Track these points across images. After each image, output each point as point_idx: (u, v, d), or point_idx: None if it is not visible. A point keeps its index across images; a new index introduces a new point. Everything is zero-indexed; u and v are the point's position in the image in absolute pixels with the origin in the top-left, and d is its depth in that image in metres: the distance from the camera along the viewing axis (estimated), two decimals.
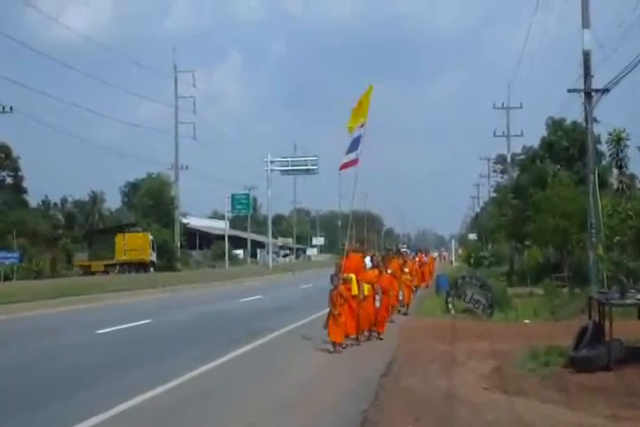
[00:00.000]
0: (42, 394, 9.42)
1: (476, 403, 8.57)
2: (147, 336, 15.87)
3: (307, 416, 8.28)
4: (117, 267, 54.58)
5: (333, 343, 12.90)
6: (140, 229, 58.40)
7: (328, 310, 13.16)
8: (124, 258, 55.31)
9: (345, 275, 13.49)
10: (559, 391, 9.09)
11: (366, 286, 14.24)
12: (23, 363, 12.22)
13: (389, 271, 17.49)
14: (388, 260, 18.77)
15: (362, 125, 13.84)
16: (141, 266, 55.37)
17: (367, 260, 16.12)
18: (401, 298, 20.30)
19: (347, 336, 13.54)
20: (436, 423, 7.66)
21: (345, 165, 14.12)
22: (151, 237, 57.35)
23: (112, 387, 9.86)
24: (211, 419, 8.12)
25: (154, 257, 58.16)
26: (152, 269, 55.98)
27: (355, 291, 13.64)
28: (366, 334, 14.81)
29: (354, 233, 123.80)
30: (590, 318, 11.66)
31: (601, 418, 7.70)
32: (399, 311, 20.17)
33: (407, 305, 21.71)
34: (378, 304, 14.92)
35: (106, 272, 53.06)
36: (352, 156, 13.89)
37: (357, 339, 14.21)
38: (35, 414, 8.26)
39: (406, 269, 22.49)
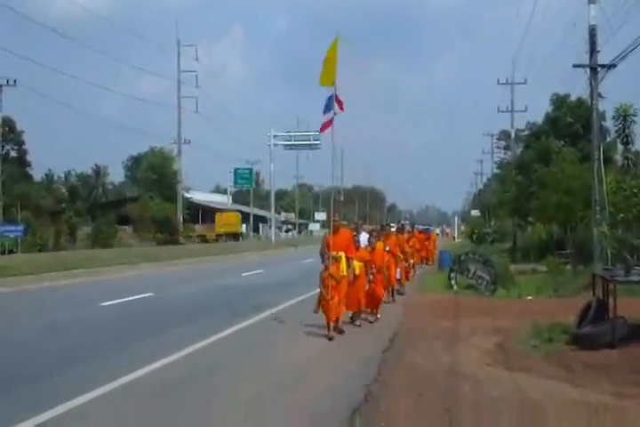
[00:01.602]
0: (44, 367, 9.43)
1: (480, 379, 8.57)
2: (149, 309, 15.90)
3: (309, 391, 8.28)
4: (223, 236, 71.77)
5: (328, 327, 11.93)
6: (233, 210, 76.10)
7: (318, 291, 12.32)
8: (223, 230, 72.82)
9: (334, 253, 12.18)
10: (563, 368, 9.08)
11: (357, 265, 13.03)
12: (27, 335, 12.23)
13: (387, 248, 16.77)
14: (385, 236, 17.14)
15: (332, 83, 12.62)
16: (234, 236, 73.03)
17: (363, 237, 14.83)
18: (399, 277, 18.97)
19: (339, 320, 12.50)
20: (440, 399, 7.65)
21: (323, 127, 12.98)
22: (240, 216, 76.45)
23: (115, 360, 9.88)
24: (215, 391, 8.12)
25: (243, 229, 78.23)
26: (241, 238, 74.70)
27: (344, 271, 12.31)
28: (362, 316, 13.89)
29: (356, 208, 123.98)
30: (594, 294, 11.64)
31: (605, 395, 7.68)
32: (398, 291, 18.87)
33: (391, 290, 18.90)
34: (367, 285, 13.79)
35: (215, 240, 69.67)
36: (329, 115, 12.77)
37: (353, 319, 13.52)
38: (38, 387, 8.27)
39: (387, 248, 20.01)
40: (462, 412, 7.15)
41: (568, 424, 6.72)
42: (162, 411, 7.33)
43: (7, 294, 19.52)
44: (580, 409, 7.26)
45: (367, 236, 14.99)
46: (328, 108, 12.73)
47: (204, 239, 68.55)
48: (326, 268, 12.12)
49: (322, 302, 11.97)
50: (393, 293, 17.76)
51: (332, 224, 12.51)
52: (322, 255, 12.38)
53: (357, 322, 13.65)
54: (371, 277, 14.01)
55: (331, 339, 11.72)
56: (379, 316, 14.52)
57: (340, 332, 12.37)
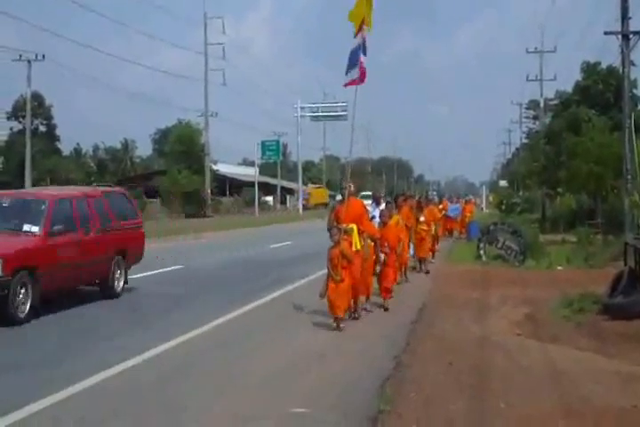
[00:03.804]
0: (64, 345, 9.49)
1: (510, 349, 8.56)
2: (178, 282, 15.97)
3: (339, 362, 8.31)
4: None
5: (336, 318, 10.06)
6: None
7: (326, 273, 10.33)
8: (316, 201, 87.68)
9: (344, 225, 10.49)
10: (594, 338, 9.04)
11: (369, 243, 11.20)
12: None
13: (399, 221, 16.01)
14: (399, 205, 15.77)
15: (360, 31, 11.13)
16: (324, 205, 79.05)
17: (373, 207, 13.62)
18: (412, 254, 17.07)
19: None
20: (470, 368, 7.65)
21: (351, 83, 11.35)
22: (327, 191, 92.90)
23: (139, 335, 10.00)
24: (241, 362, 8.20)
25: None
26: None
27: (357, 245, 10.65)
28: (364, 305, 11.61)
29: (383, 179, 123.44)
30: (626, 264, 11.52)
31: (637, 365, 7.66)
32: (414, 269, 17.57)
33: (423, 260, 18.07)
34: (378, 268, 11.85)
35: (317, 208, 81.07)
36: (354, 73, 11.21)
37: (355, 313, 11.02)
38: (72, 359, 8.38)
39: (422, 218, 18.15)
40: (492, 381, 7.14)
41: (599, 394, 6.68)
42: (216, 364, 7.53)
43: None
44: (611, 379, 7.23)
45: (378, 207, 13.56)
46: (353, 62, 11.18)
47: (306, 207, 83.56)
48: (335, 244, 10.20)
49: (329, 286, 10.05)
50: (405, 272, 15.85)
51: (346, 193, 10.84)
52: (329, 230, 10.52)
53: (368, 307, 11.76)
54: (383, 257, 11.83)
55: (338, 328, 9.99)
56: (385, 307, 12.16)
57: (355, 318, 10.90)
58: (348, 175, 11.87)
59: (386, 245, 12.02)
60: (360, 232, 10.79)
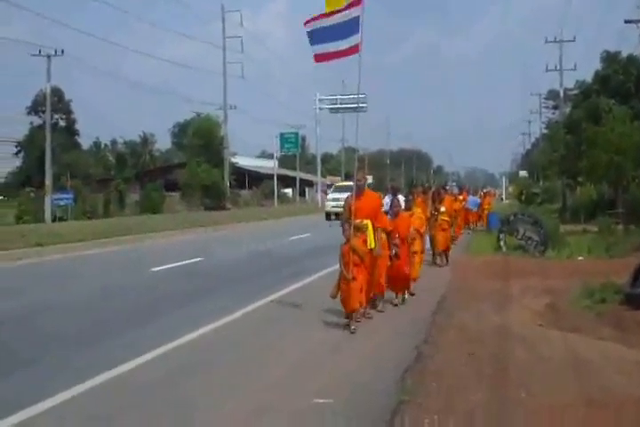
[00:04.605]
0: (93, 332, 9.61)
1: (531, 339, 8.52)
2: (199, 274, 16.06)
3: (359, 353, 8.31)
4: None
5: (348, 316, 9.52)
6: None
7: (339, 270, 9.74)
8: None
9: (358, 221, 9.86)
10: (616, 328, 8.98)
11: (383, 237, 10.49)
12: (83, 299, 12.45)
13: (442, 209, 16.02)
14: (415, 196, 15.22)
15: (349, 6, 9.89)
16: None
17: (387, 199, 12.82)
18: (428, 246, 16.13)
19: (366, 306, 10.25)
20: (491, 359, 7.63)
21: (323, 57, 10.22)
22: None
23: (175, 320, 10.07)
24: (262, 354, 8.23)
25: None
26: None
27: (371, 243, 9.99)
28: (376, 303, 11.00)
29: (402, 171, 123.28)
30: None
31: None
32: (434, 263, 17.27)
33: (444, 254, 17.85)
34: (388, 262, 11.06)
35: None
36: (340, 44, 9.97)
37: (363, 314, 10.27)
38: (91, 350, 8.44)
39: (443, 209, 17.78)
40: (513, 371, 7.13)
41: (621, 384, 6.66)
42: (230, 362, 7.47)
43: (60, 261, 19.86)
44: (632, 369, 7.20)
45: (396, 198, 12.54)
46: (339, 34, 9.94)
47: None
48: (347, 240, 9.61)
49: (341, 285, 9.53)
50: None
51: (357, 185, 10.20)
52: (342, 224, 9.97)
53: (380, 306, 11.07)
54: (394, 250, 11.18)
55: (352, 331, 9.29)
56: (406, 296, 12.02)
57: (369, 317, 10.33)
58: (355, 165, 11.09)
59: (397, 236, 11.32)
60: (375, 229, 10.13)
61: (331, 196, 43.10)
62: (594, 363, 7.39)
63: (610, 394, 6.29)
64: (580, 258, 17.82)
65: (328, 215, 39.89)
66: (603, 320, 9.54)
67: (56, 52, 43.61)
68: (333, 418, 5.96)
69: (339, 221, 10.42)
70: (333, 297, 9.66)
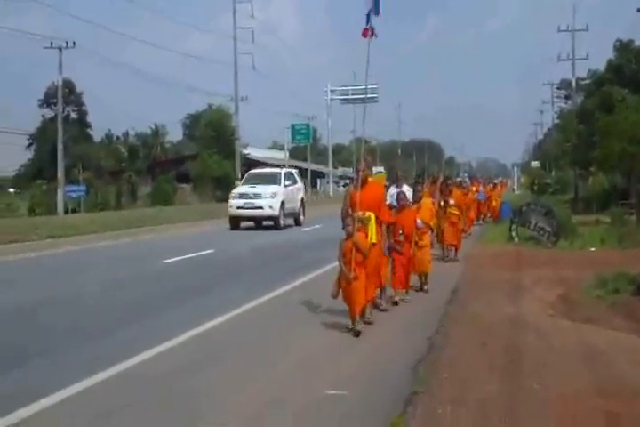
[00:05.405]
0: (104, 323, 9.63)
1: (543, 329, 8.53)
2: (210, 266, 16.12)
3: (372, 344, 8.31)
4: None
5: (352, 317, 8.67)
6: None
7: (338, 268, 8.95)
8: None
9: (360, 213, 9.00)
10: (629, 319, 8.97)
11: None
12: (95, 291, 12.49)
13: (451, 202, 15.83)
14: (423, 187, 14.30)
15: None
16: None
17: (392, 191, 12.22)
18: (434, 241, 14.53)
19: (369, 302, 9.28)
20: (503, 349, 7.64)
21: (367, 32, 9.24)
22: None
23: (183, 312, 10.11)
24: (272, 346, 8.25)
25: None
26: None
27: (372, 238, 9.13)
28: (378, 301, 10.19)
29: (414, 162, 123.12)
30: None
31: None
32: (443, 259, 16.13)
33: (455, 248, 16.73)
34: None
35: None
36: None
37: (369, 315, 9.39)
38: (104, 341, 8.48)
39: (452, 201, 16.73)
40: (526, 362, 7.13)
41: (634, 374, 6.65)
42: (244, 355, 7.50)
43: (73, 252, 19.94)
44: None
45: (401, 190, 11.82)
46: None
47: None
48: (348, 235, 8.77)
49: (342, 284, 8.75)
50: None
51: (359, 175, 9.40)
52: (343, 218, 9.22)
53: (383, 304, 10.37)
54: (397, 247, 10.64)
55: (357, 334, 8.52)
56: (410, 290, 11.34)
57: (369, 322, 9.23)
58: (362, 152, 10.33)
59: (400, 232, 10.66)
60: (378, 222, 9.35)
61: (237, 191, 28.05)
62: (606, 353, 7.39)
63: (622, 384, 6.30)
64: (593, 249, 17.77)
65: (235, 221, 27.16)
66: (615, 310, 9.53)
67: (67, 44, 43.73)
68: (349, 409, 5.97)
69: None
70: (334, 297, 8.95)
